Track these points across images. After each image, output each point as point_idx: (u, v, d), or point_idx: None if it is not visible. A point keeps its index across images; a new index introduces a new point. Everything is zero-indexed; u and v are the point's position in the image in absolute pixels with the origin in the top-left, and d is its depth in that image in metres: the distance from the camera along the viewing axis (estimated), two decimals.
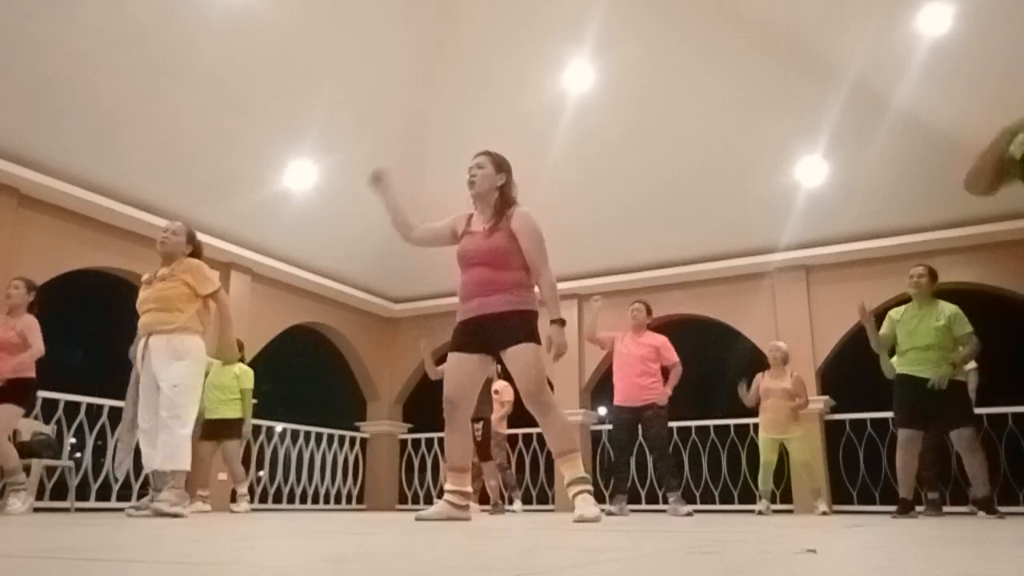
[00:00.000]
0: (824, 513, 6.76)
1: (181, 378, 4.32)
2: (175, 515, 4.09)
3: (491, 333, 3.56)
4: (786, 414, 6.90)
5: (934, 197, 7.52)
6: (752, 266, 8.66)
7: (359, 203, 8.65)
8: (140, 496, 7.07)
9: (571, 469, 3.55)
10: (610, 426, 9.54)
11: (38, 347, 5.26)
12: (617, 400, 6.21)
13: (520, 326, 3.54)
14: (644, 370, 6.11)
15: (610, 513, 5.74)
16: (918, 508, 5.67)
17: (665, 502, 6.15)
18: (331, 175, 7.98)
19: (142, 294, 4.59)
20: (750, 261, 8.62)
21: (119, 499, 6.94)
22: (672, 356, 6.23)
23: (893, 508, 7.70)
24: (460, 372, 3.63)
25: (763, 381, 7.07)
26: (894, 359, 5.61)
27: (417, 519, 3.54)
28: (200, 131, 6.96)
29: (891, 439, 7.92)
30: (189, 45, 6.24)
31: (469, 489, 3.73)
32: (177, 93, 6.54)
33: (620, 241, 8.79)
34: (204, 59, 6.40)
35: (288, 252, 8.82)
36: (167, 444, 4.25)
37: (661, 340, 6.29)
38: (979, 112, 6.70)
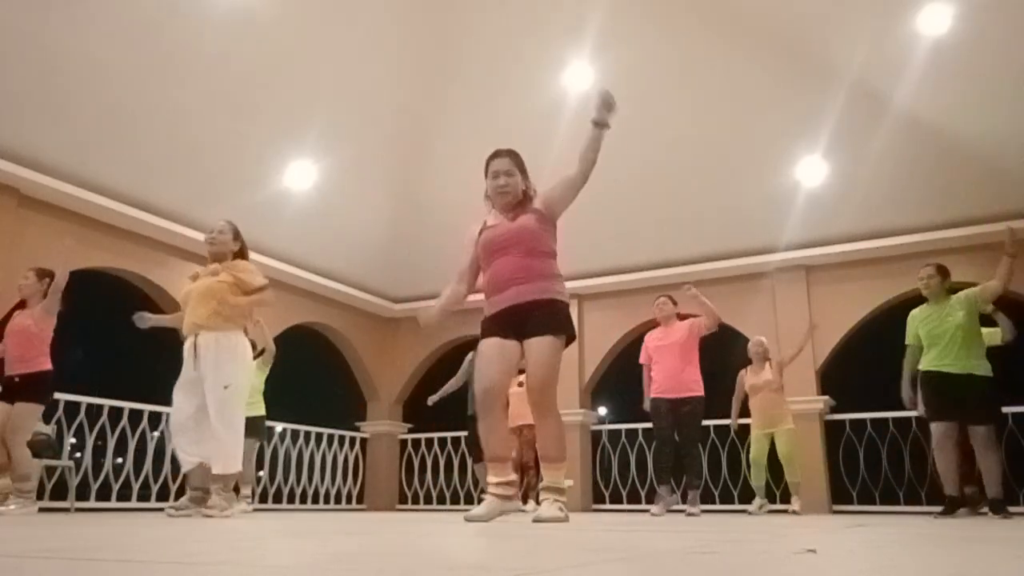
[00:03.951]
0: (795, 512, 6.76)
1: (231, 378, 4.38)
2: (225, 518, 4.19)
3: (525, 320, 3.42)
4: (776, 407, 6.92)
5: (934, 197, 7.53)
6: (752, 266, 8.66)
7: (359, 203, 8.67)
8: (141, 495, 7.08)
9: (553, 476, 3.48)
10: (613, 426, 9.58)
11: (56, 291, 5.18)
12: (655, 393, 6.06)
13: (552, 317, 3.42)
14: (682, 359, 5.98)
15: (656, 514, 5.69)
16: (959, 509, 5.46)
17: (683, 499, 6.12)
18: (331, 175, 7.98)
19: (187, 289, 4.60)
20: (750, 261, 8.62)
21: (119, 499, 6.94)
22: (702, 323, 6.05)
23: (893, 508, 7.74)
24: (496, 360, 3.44)
25: (747, 378, 7.09)
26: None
27: (467, 520, 3.34)
28: (200, 131, 6.96)
29: (891, 439, 7.94)
30: (190, 45, 6.24)
31: (514, 477, 3.59)
32: (177, 93, 6.54)
33: (620, 241, 8.79)
34: (205, 59, 6.40)
35: (288, 252, 8.82)
36: (220, 448, 4.32)
37: (690, 321, 6.18)
38: (979, 112, 6.71)
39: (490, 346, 3.47)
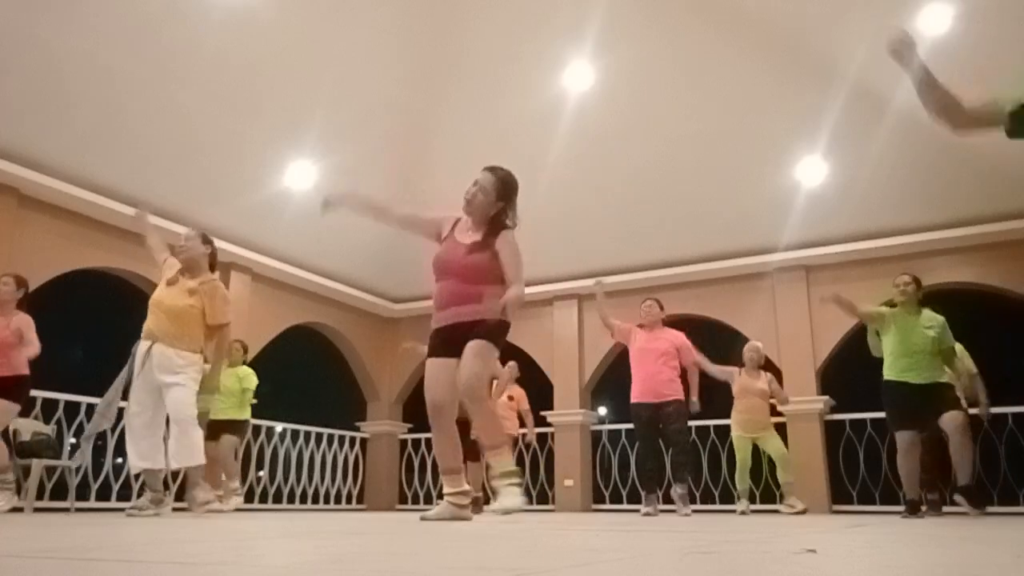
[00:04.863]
0: (802, 511, 6.76)
1: (186, 381, 4.46)
2: (216, 511, 4.36)
3: (462, 337, 3.64)
4: (762, 413, 6.94)
5: (933, 197, 7.53)
6: (752, 266, 8.66)
7: None
8: (141, 495, 7.08)
9: (500, 462, 3.62)
10: (613, 426, 9.58)
11: (35, 345, 5.25)
12: (635, 397, 6.03)
13: (486, 328, 3.62)
14: (663, 367, 5.97)
15: (647, 514, 5.69)
16: (922, 508, 5.70)
17: (670, 498, 6.09)
18: (331, 175, 7.98)
19: (161, 292, 4.64)
20: (750, 261, 8.62)
21: (119, 499, 6.94)
22: (690, 356, 6.08)
23: (893, 508, 7.74)
24: (440, 377, 3.70)
25: (739, 379, 7.08)
26: (885, 363, 5.61)
27: (422, 519, 3.59)
28: (200, 131, 6.96)
29: (891, 439, 7.92)
30: (189, 45, 6.24)
31: (468, 487, 3.78)
32: (177, 93, 6.54)
33: (620, 241, 8.79)
34: (204, 59, 6.40)
35: (288, 252, 8.82)
36: (185, 444, 4.41)
37: (680, 338, 6.16)
38: None
39: (434, 366, 3.73)
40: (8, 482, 5.24)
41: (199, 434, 4.51)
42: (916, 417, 5.40)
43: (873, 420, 8.03)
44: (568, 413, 9.35)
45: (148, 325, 4.55)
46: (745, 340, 7.58)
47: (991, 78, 6.39)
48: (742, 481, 7.03)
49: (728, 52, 6.82)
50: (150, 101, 6.49)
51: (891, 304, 5.70)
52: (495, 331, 3.65)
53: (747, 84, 7.03)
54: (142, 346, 4.54)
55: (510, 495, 3.52)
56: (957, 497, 5.50)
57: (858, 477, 7.99)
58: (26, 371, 5.31)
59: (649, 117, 7.44)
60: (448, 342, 3.69)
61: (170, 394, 4.40)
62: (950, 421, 5.28)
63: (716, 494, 8.51)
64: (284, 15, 6.39)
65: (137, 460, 4.47)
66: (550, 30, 6.91)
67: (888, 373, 5.49)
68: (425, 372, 3.78)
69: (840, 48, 6.52)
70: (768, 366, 7.52)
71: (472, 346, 3.59)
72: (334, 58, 6.92)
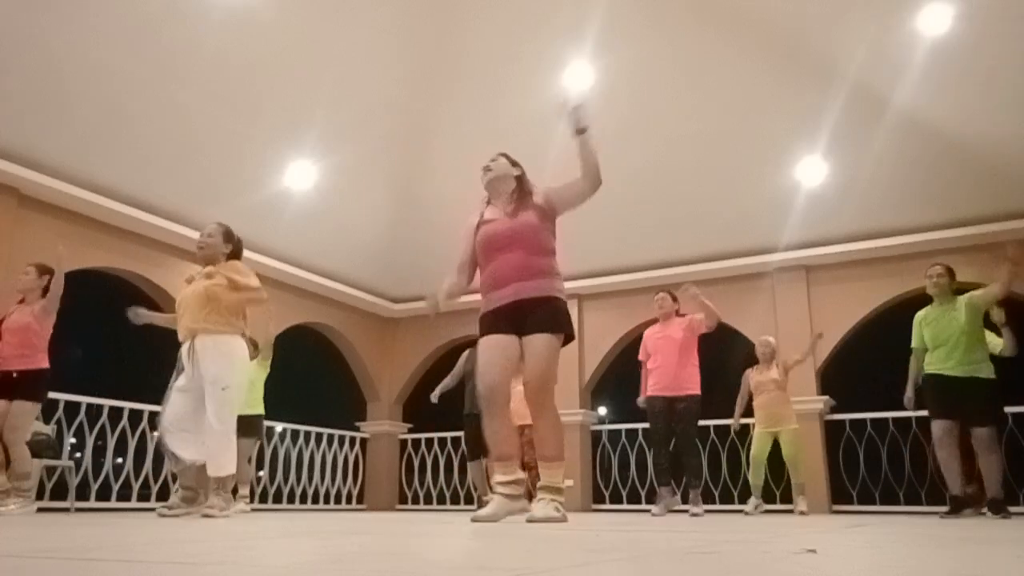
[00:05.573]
0: (802, 512, 6.73)
1: (230, 379, 4.37)
2: (224, 518, 4.20)
3: (526, 317, 3.41)
4: (781, 406, 6.91)
5: (934, 197, 7.53)
6: (752, 266, 8.66)
7: (359, 203, 8.67)
8: (141, 495, 7.08)
9: (551, 476, 3.39)
10: (613, 426, 9.59)
11: (55, 293, 5.18)
12: (651, 391, 5.99)
13: (551, 315, 3.42)
14: (681, 357, 5.91)
15: (656, 515, 5.61)
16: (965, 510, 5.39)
17: (684, 500, 6.06)
18: (331, 175, 7.98)
19: (182, 293, 4.59)
20: (750, 261, 8.62)
21: (119, 499, 6.94)
22: (701, 321, 5.97)
23: (893, 508, 7.74)
24: (497, 357, 3.41)
25: (752, 376, 7.07)
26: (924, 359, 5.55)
27: (474, 520, 3.29)
28: (200, 131, 6.96)
29: (891, 439, 7.95)
30: (189, 45, 6.24)
31: (522, 475, 3.51)
32: (177, 93, 6.54)
33: (620, 241, 8.79)
34: (205, 59, 6.40)
35: (288, 252, 8.82)
36: (215, 449, 4.33)
37: (688, 317, 6.09)
38: (979, 112, 6.71)
39: (491, 344, 3.44)
40: (24, 490, 5.12)
41: (233, 440, 4.40)
42: (954, 407, 5.26)
43: (873, 420, 8.04)
44: (568, 413, 9.33)
45: (182, 325, 4.47)
46: (745, 340, 7.57)
47: (991, 78, 6.42)
48: (756, 476, 6.94)
49: (728, 52, 6.81)
50: (150, 101, 6.49)
51: (911, 298, 5.66)
52: (565, 319, 3.43)
53: (747, 84, 7.03)
54: (184, 346, 4.46)
55: (545, 506, 3.30)
56: (984, 508, 5.43)
57: (858, 477, 8.00)
58: (46, 365, 5.21)
59: (649, 117, 7.43)
60: (509, 320, 3.42)
61: (215, 392, 4.30)
62: (977, 437, 5.21)
63: (716, 494, 8.52)
64: (284, 15, 6.38)
65: (189, 457, 4.38)
66: (550, 30, 6.91)
67: (927, 368, 5.43)
68: (479, 351, 3.50)
69: (840, 48, 6.52)
70: None
71: (543, 340, 3.35)
72: (334, 58, 6.92)
